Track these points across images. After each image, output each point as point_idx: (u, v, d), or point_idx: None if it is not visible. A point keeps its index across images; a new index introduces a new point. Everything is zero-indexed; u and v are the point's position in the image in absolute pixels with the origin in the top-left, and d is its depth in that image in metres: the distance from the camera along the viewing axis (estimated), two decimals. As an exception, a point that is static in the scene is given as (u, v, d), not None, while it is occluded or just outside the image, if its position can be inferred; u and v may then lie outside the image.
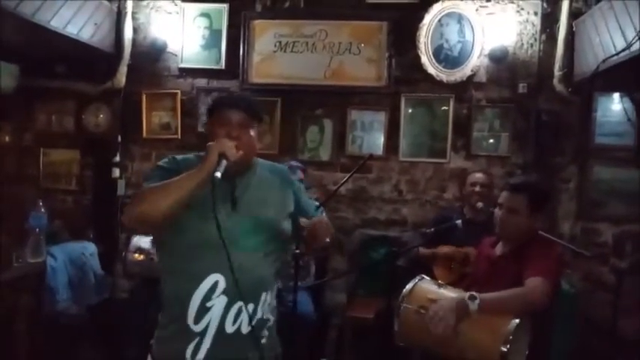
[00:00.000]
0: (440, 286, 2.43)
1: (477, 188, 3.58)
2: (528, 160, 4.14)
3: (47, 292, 3.55)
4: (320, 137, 4.44)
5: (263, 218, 1.75)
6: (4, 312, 3.05)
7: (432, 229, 3.30)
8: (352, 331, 3.85)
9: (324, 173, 4.40)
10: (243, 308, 1.68)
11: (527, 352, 2.23)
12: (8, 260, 3.18)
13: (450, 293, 2.35)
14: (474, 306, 2.16)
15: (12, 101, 4.44)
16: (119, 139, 4.56)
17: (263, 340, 1.75)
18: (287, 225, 1.82)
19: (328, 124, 4.44)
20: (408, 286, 2.41)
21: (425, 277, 2.51)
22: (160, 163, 1.79)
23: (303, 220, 1.74)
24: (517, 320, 2.13)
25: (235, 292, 1.64)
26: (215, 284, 1.66)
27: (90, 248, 4.07)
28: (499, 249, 2.61)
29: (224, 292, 1.66)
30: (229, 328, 1.68)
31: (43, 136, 4.71)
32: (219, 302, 1.66)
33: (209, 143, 1.67)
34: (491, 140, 4.24)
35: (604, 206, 3.93)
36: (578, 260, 3.63)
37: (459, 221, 3.15)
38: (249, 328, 1.69)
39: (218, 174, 1.59)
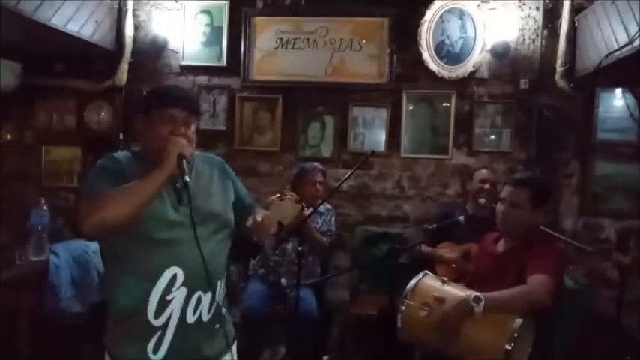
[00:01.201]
0: (443, 282, 2.43)
1: (487, 186, 3.55)
2: (530, 156, 4.14)
3: (50, 290, 3.54)
4: (321, 134, 4.44)
5: (209, 210, 1.77)
6: (7, 310, 3.05)
7: (435, 226, 3.29)
8: (355, 328, 3.86)
9: (326, 170, 4.39)
10: (202, 297, 1.72)
11: (530, 350, 2.23)
12: (11, 258, 3.18)
13: (454, 290, 2.35)
14: (479, 308, 2.17)
15: (13, 99, 4.44)
16: (121, 136, 4.56)
17: (221, 325, 1.80)
18: (231, 215, 1.85)
19: (330, 121, 4.43)
20: (412, 283, 2.42)
21: (428, 273, 2.52)
22: (100, 163, 1.72)
23: (248, 221, 1.78)
24: (521, 319, 2.13)
25: (195, 283, 1.69)
26: (174, 277, 1.67)
27: (92, 246, 4.04)
28: (501, 245, 2.61)
29: (183, 284, 1.68)
30: (190, 319, 1.70)
31: (44, 134, 4.70)
32: (179, 294, 1.68)
33: (168, 144, 1.66)
34: (493, 136, 4.24)
35: (606, 202, 3.94)
36: (581, 256, 3.63)
37: (461, 217, 3.14)
38: (209, 316, 1.74)
39: (187, 178, 1.63)
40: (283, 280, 3.57)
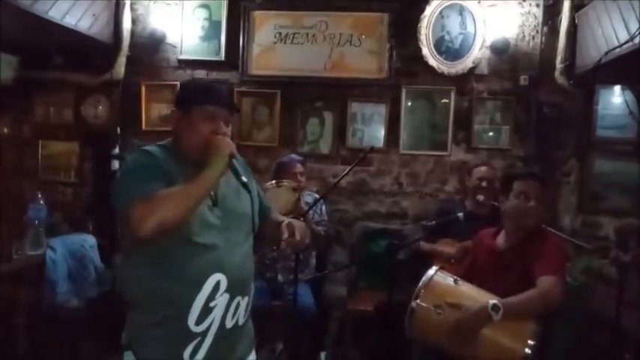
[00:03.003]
0: (456, 281, 2.40)
1: (484, 183, 3.55)
2: (529, 153, 4.14)
3: (47, 285, 3.53)
4: (320, 130, 4.43)
5: (241, 211, 1.75)
6: (4, 304, 3.04)
7: (434, 222, 3.29)
8: (353, 324, 3.85)
9: (325, 166, 4.39)
10: (240, 302, 1.70)
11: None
12: (8, 253, 3.16)
13: (470, 294, 2.32)
14: (497, 317, 2.15)
15: (10, 93, 4.40)
16: (118, 131, 4.54)
17: (251, 329, 1.82)
18: (257, 218, 1.81)
19: (328, 117, 4.42)
20: (424, 281, 2.38)
21: (440, 270, 2.48)
22: (137, 159, 1.66)
23: (285, 225, 1.77)
24: (536, 324, 2.13)
25: (236, 289, 1.67)
26: (217, 284, 1.64)
27: (90, 241, 4.04)
28: (502, 242, 2.60)
29: (227, 290, 1.65)
30: (229, 324, 1.68)
31: (41, 128, 4.68)
32: (221, 301, 1.65)
33: (214, 142, 1.64)
34: (492, 133, 4.23)
35: (605, 199, 3.94)
36: (580, 254, 3.63)
37: (460, 214, 3.13)
38: (244, 319, 1.74)
39: (244, 178, 1.63)
40: (280, 277, 3.56)
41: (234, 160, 1.64)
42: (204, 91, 1.72)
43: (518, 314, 2.19)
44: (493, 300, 2.20)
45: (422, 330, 2.34)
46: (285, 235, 1.73)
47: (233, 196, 1.74)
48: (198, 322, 1.62)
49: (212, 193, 1.66)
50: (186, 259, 1.61)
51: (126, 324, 1.73)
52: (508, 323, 2.17)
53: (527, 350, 2.08)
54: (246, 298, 1.72)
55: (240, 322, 1.72)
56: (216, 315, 1.64)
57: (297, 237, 1.74)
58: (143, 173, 1.59)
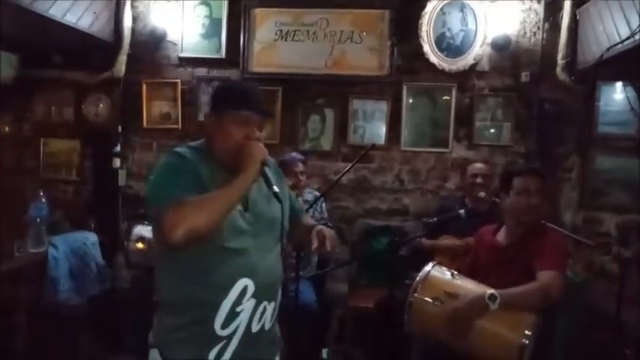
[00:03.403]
0: (453, 275, 2.41)
1: (479, 179, 3.57)
2: (531, 150, 4.14)
3: (48, 283, 3.54)
4: (321, 127, 4.42)
5: (271, 215, 1.74)
6: (6, 302, 3.05)
7: (435, 219, 3.29)
8: (354, 321, 3.86)
9: (326, 163, 4.39)
10: (267, 307, 1.70)
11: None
12: (10, 251, 3.17)
13: (466, 286, 2.33)
14: (494, 306, 2.15)
15: (11, 91, 4.41)
16: (119, 129, 4.54)
17: (277, 333, 1.82)
18: (286, 223, 1.79)
19: (329, 114, 4.42)
20: (421, 275, 2.39)
21: (438, 264, 2.49)
22: (170, 162, 1.66)
23: (315, 232, 1.75)
24: (534, 316, 2.13)
25: (263, 294, 1.67)
26: (245, 289, 1.64)
27: (91, 238, 4.05)
28: (503, 238, 2.60)
29: (253, 295, 1.66)
30: (254, 328, 1.69)
31: (42, 127, 4.68)
32: (248, 305, 1.66)
33: (247, 148, 1.64)
34: (493, 130, 4.23)
35: (606, 196, 3.92)
36: (581, 250, 3.63)
37: (462, 211, 3.13)
38: (270, 324, 1.74)
39: (276, 188, 1.63)
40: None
41: (265, 167, 1.64)
42: (239, 96, 1.71)
43: (515, 306, 2.19)
44: (490, 290, 2.20)
45: (420, 323, 2.34)
46: (315, 245, 1.72)
47: (264, 201, 1.73)
48: (224, 326, 1.63)
49: (243, 197, 1.66)
50: (216, 263, 1.61)
51: (154, 323, 1.76)
52: (507, 315, 2.17)
53: (525, 341, 2.08)
54: (272, 304, 1.72)
55: (267, 327, 1.72)
56: (242, 319, 1.65)
57: (328, 247, 1.73)
58: (175, 177, 1.60)
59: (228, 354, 1.65)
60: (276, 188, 1.63)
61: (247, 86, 1.79)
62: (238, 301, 1.63)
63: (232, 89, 1.81)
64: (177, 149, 1.71)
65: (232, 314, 1.63)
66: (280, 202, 1.65)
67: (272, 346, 1.80)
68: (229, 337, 1.64)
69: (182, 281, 1.64)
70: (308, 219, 2.02)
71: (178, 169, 1.62)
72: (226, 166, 1.66)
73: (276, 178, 1.76)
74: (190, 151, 1.70)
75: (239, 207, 1.65)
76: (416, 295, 2.32)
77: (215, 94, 1.83)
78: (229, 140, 1.66)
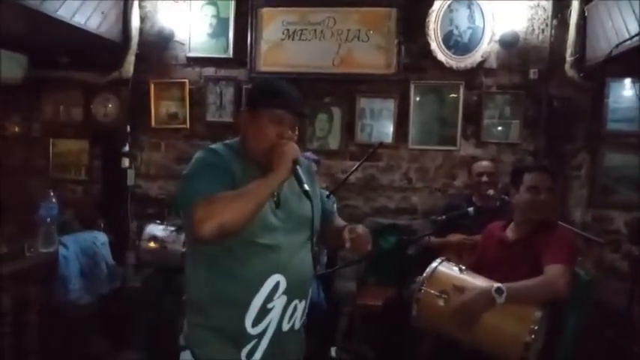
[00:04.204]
0: (461, 270, 2.41)
1: (484, 178, 3.57)
2: (539, 147, 4.12)
3: (59, 282, 3.56)
4: (329, 125, 4.42)
5: (302, 214, 1.74)
6: (17, 301, 3.07)
7: (443, 217, 3.28)
8: (362, 319, 3.86)
9: (334, 162, 4.39)
10: (298, 305, 1.71)
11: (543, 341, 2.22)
12: (20, 250, 3.19)
13: (474, 280, 2.33)
14: (500, 299, 2.16)
15: (20, 92, 4.44)
16: (128, 128, 4.56)
17: (303, 333, 1.82)
18: (317, 222, 1.78)
19: (337, 112, 4.41)
20: (429, 270, 2.39)
21: (445, 260, 2.49)
22: (204, 157, 1.67)
23: (347, 230, 1.73)
24: (541, 312, 2.12)
25: (294, 291, 1.68)
26: (276, 285, 1.65)
27: (101, 238, 4.08)
28: (512, 234, 2.59)
29: (284, 292, 1.66)
30: (285, 327, 1.69)
31: (51, 127, 4.71)
32: (279, 302, 1.66)
33: (280, 146, 1.64)
34: (501, 127, 4.21)
35: (615, 193, 3.92)
36: (591, 248, 3.61)
37: (470, 209, 3.13)
38: (300, 323, 1.75)
39: (307, 187, 1.62)
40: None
41: (297, 167, 1.64)
42: (275, 95, 1.71)
43: (522, 299, 2.18)
44: (497, 284, 2.20)
45: (427, 318, 2.34)
46: (349, 245, 1.72)
47: (295, 199, 1.73)
48: (255, 324, 1.64)
49: (275, 194, 1.67)
50: (247, 259, 1.61)
51: (185, 324, 1.75)
52: (513, 310, 2.16)
53: (531, 336, 2.08)
54: (303, 302, 1.73)
55: (297, 327, 1.73)
56: (273, 317, 1.66)
57: (363, 246, 1.72)
58: (208, 173, 1.61)
59: (259, 354, 1.66)
60: (306, 187, 1.62)
61: (284, 85, 1.77)
62: (270, 298, 1.64)
63: (269, 87, 1.79)
64: (213, 146, 1.72)
65: (263, 311, 1.63)
66: (311, 200, 1.65)
67: (300, 347, 1.81)
68: (260, 336, 1.65)
69: (213, 278, 1.65)
70: (339, 220, 2.01)
71: (211, 165, 1.64)
72: (259, 164, 1.67)
73: (308, 177, 1.75)
74: (225, 148, 1.71)
75: (271, 204, 1.66)
76: (423, 289, 2.32)
77: (251, 91, 1.84)
78: (263, 138, 1.67)
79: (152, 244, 3.62)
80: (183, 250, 3.48)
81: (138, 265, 4.21)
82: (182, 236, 3.55)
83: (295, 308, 1.70)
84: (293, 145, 1.67)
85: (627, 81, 3.88)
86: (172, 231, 3.68)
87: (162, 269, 3.70)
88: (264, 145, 1.66)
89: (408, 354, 3.15)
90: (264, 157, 1.65)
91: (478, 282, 2.30)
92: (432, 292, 2.30)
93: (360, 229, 1.74)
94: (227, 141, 1.77)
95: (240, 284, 1.62)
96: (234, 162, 1.66)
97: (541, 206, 2.47)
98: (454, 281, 2.31)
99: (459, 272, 2.39)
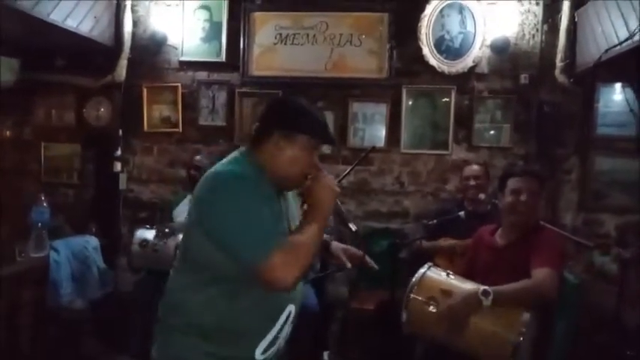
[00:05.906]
0: (449, 275, 2.43)
1: (472, 182, 3.59)
2: (530, 151, 4.14)
3: (50, 287, 3.54)
4: (321, 130, 4.42)
5: None
6: (8, 306, 3.05)
7: (435, 221, 3.30)
8: (354, 323, 3.86)
9: (326, 166, 4.26)
10: (290, 327, 1.72)
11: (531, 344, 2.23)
12: (11, 255, 3.17)
13: (460, 284, 2.34)
14: (487, 302, 2.17)
15: (12, 95, 4.43)
16: (120, 132, 4.55)
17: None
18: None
19: (329, 117, 4.40)
20: (417, 276, 2.40)
21: (433, 265, 2.51)
22: (243, 193, 1.50)
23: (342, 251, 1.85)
24: (529, 314, 2.14)
25: (296, 317, 1.69)
26: (289, 314, 1.66)
27: (92, 242, 4.06)
28: (501, 238, 2.61)
29: (293, 320, 1.68)
30: (281, 345, 1.70)
31: (43, 131, 4.70)
32: (287, 330, 1.68)
33: (324, 181, 1.60)
34: (492, 131, 4.24)
35: (606, 197, 3.94)
36: (581, 251, 3.64)
37: (462, 213, 3.14)
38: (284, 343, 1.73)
39: (354, 226, 1.68)
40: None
41: (337, 202, 1.65)
42: (316, 121, 1.63)
43: (509, 302, 2.20)
44: (484, 286, 2.22)
45: (418, 324, 2.36)
46: (349, 265, 1.80)
47: (293, 222, 1.70)
48: (265, 351, 1.62)
49: (290, 224, 1.66)
50: (267, 293, 1.53)
51: (165, 340, 1.66)
52: (501, 312, 2.18)
53: (519, 338, 2.09)
54: (293, 325, 1.73)
55: (283, 344, 1.73)
56: (280, 343, 1.67)
57: (360, 259, 1.83)
58: (259, 211, 1.49)
59: None
60: (353, 227, 1.69)
61: (315, 109, 1.70)
62: (282, 328, 1.64)
63: (308, 112, 1.65)
64: (241, 172, 1.56)
65: (274, 340, 1.63)
66: (359, 240, 1.72)
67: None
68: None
69: (234, 310, 1.57)
70: (336, 244, 2.00)
71: (256, 198, 1.51)
72: (271, 182, 1.61)
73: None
74: (248, 170, 1.58)
75: (287, 232, 1.62)
76: (412, 296, 2.34)
77: (285, 112, 1.66)
78: (294, 164, 1.60)
79: (143, 248, 3.61)
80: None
81: (129, 269, 4.19)
82: (171, 240, 3.53)
83: (289, 330, 1.71)
84: (332, 178, 1.63)
85: (617, 86, 3.92)
86: (162, 235, 3.66)
87: (154, 273, 3.69)
88: (294, 172, 1.60)
89: (401, 358, 3.16)
90: (287, 182, 1.63)
91: (465, 286, 2.32)
92: (420, 298, 2.32)
93: (353, 250, 1.82)
94: (235, 156, 1.65)
95: (263, 317, 1.60)
96: (264, 186, 1.59)
97: (521, 209, 2.50)
98: (442, 286, 2.33)
99: (446, 277, 2.41)
